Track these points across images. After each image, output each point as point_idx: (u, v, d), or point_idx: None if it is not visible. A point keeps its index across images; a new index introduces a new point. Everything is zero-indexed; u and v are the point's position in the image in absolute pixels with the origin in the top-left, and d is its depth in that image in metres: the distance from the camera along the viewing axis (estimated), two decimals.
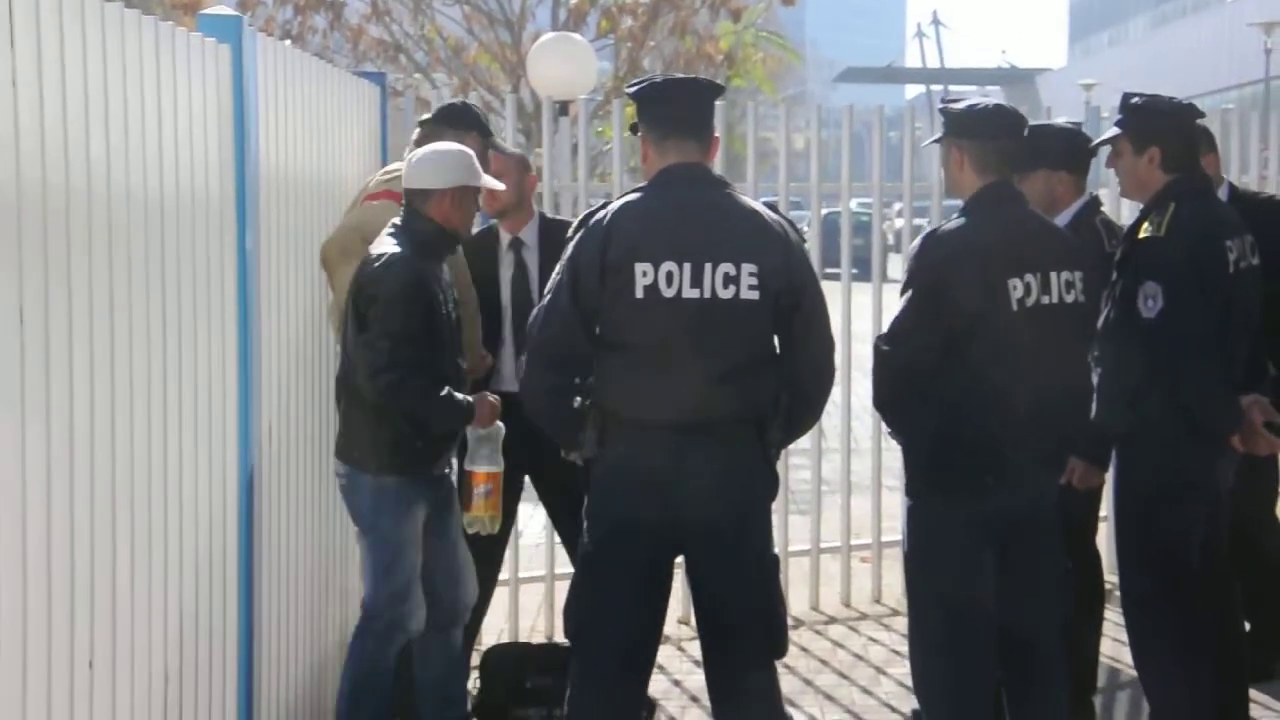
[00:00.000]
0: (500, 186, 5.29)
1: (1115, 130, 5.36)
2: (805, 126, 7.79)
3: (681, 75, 5.17)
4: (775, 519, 5.05)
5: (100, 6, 3.68)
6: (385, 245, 5.04)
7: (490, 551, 5.93)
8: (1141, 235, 5.13)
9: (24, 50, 3.29)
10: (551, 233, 6.00)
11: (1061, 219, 5.59)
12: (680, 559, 4.72)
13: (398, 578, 5.06)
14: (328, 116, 5.85)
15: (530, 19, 17.52)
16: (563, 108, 10.60)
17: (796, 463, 8.30)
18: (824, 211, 8.32)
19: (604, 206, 4.66)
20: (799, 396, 4.67)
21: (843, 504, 7.68)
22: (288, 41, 12.90)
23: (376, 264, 4.97)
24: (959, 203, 5.00)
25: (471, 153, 5.20)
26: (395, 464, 5.04)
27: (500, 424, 5.22)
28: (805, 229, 6.55)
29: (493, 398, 5.21)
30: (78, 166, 3.55)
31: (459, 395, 5.04)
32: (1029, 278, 4.74)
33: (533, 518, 7.78)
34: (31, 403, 3.34)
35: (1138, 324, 5.05)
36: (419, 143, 5.66)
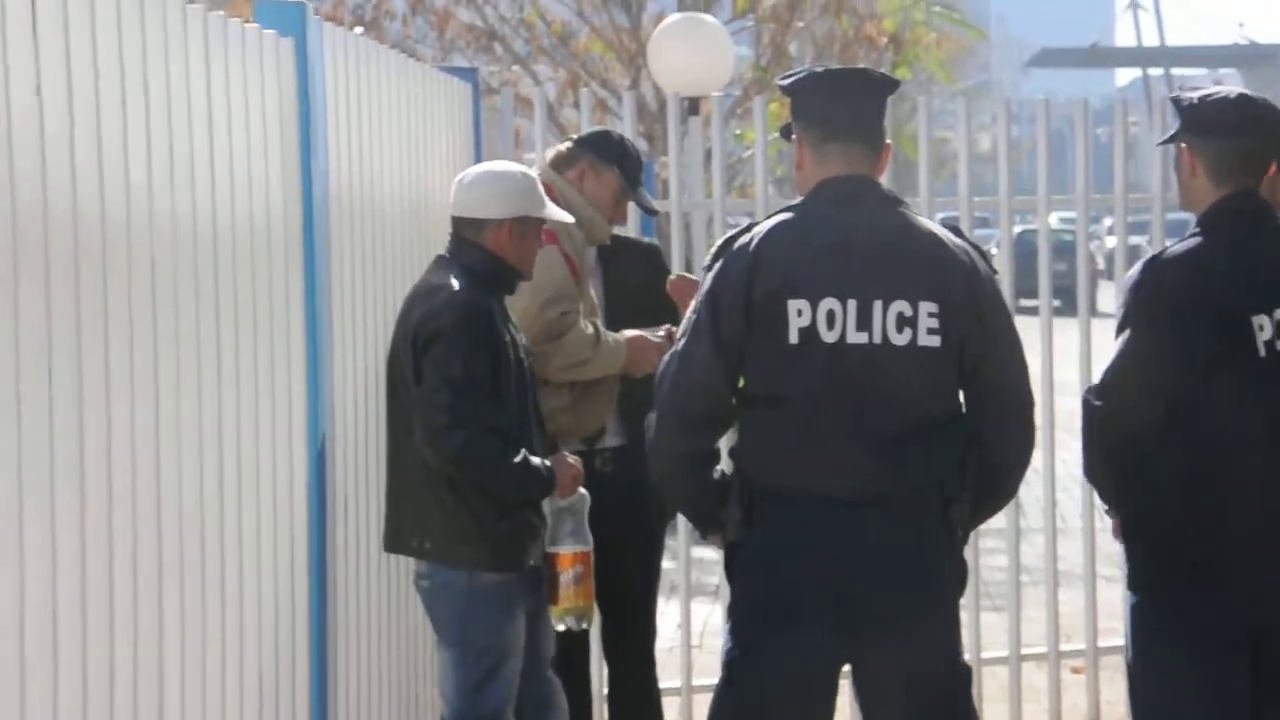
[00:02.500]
0: (568, 218, 5.31)
1: None
2: (991, 123, 7.75)
3: (856, 67, 5.18)
4: (964, 617, 5.01)
5: None
6: (436, 277, 5.08)
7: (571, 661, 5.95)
8: None
9: (50, 50, 3.35)
10: (614, 251, 6.05)
11: None
12: (847, 668, 4.69)
13: (489, 702, 5.06)
14: (411, 120, 5.93)
15: None
16: (692, 106, 10.65)
17: (990, 546, 8.22)
18: (1017, 229, 8.27)
19: (749, 229, 4.66)
20: (989, 465, 4.65)
21: (1048, 599, 7.59)
22: (359, 30, 13.08)
23: (428, 300, 5.01)
24: (1188, 218, 4.94)
25: (536, 177, 5.25)
26: (495, 555, 5.04)
27: (584, 492, 5.23)
28: (994, 251, 6.50)
29: (573, 459, 5.22)
30: (114, 188, 3.62)
31: (535, 461, 5.04)
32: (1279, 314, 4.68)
33: (663, 614, 7.77)
34: (62, 470, 3.41)
35: None
36: (557, 165, 5.74)
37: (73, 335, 3.47)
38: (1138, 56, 66.61)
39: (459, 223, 5.13)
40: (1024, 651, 7.63)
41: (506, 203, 5.09)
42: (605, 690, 6.41)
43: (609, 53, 17.77)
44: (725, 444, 5.07)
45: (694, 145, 7.70)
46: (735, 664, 4.63)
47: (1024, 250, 9.28)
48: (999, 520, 5.85)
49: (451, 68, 7.21)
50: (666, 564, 7.75)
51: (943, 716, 4.64)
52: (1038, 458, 7.39)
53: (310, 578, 4.84)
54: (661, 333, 5.69)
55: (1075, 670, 7.87)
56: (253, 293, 4.42)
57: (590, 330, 5.60)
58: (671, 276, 5.92)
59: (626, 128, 7.15)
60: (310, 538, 4.84)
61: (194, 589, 4.08)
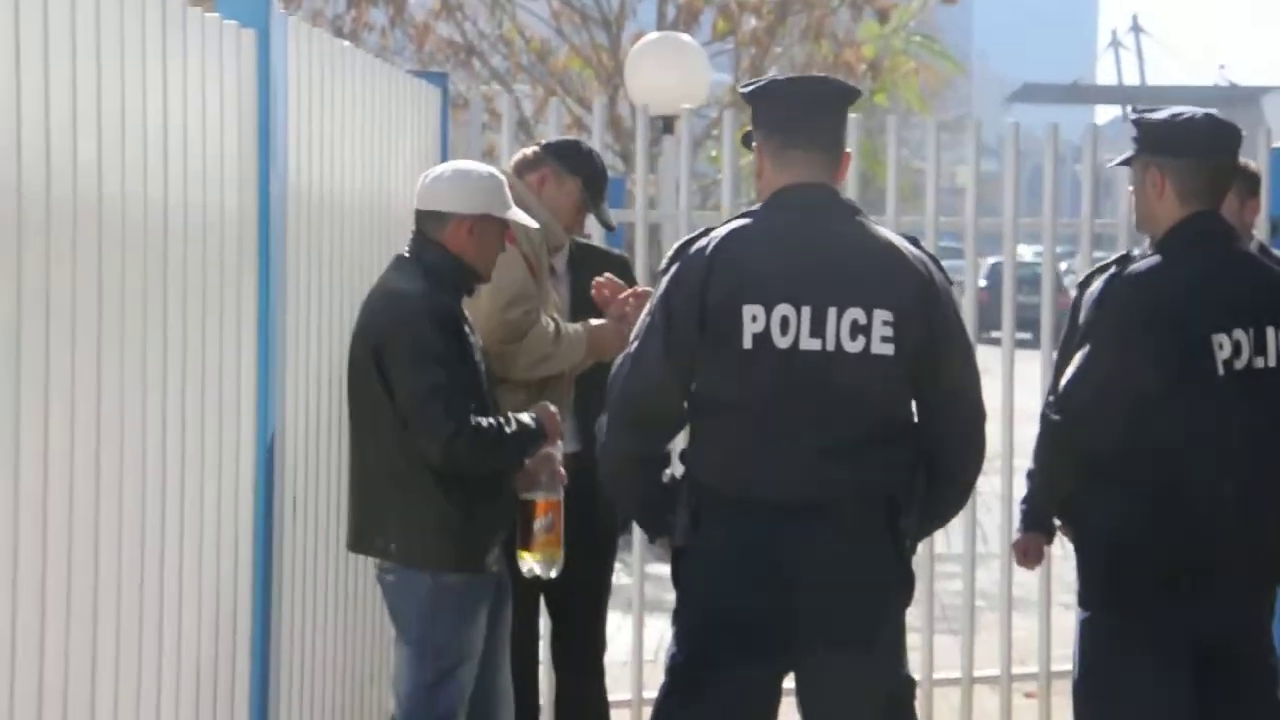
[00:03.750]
0: (532, 224, 5.29)
1: None
2: (968, 159, 7.70)
3: (816, 75, 5.17)
4: (917, 638, 4.99)
5: None
6: (392, 281, 5.06)
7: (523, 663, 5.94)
8: None
9: None
10: (584, 260, 6.05)
11: None
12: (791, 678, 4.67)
13: (442, 703, 5.03)
14: (376, 119, 5.90)
15: (631, 16, 17.61)
16: (667, 125, 10.63)
17: (947, 570, 8.20)
18: (990, 260, 8.26)
19: (706, 233, 4.65)
20: (940, 475, 4.64)
21: (1002, 622, 7.58)
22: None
23: (389, 304, 4.98)
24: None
25: (503, 179, 5.23)
26: (458, 557, 5.02)
27: (560, 443, 5.26)
28: (958, 280, 6.50)
29: (552, 407, 5.24)
30: (61, 172, 3.59)
31: (523, 418, 5.07)
32: (1239, 334, 4.69)
33: (620, 629, 7.74)
34: None
35: None
36: (519, 169, 5.75)
37: (11, 319, 3.43)
38: (1118, 95, 66.75)
39: (421, 216, 5.10)
40: (976, 674, 7.62)
41: (470, 199, 5.06)
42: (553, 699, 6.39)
43: (587, 70, 17.76)
44: (675, 447, 5.07)
45: (669, 165, 7.69)
46: (679, 670, 4.60)
47: (995, 281, 9.23)
48: (958, 544, 5.83)
49: (421, 72, 7.19)
50: (623, 580, 7.75)
51: None
52: (997, 483, 7.45)
53: (254, 576, 4.80)
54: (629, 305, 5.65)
55: (1028, 695, 7.85)
56: (203, 281, 4.39)
57: (550, 326, 5.59)
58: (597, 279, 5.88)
59: (596, 141, 7.15)
60: (255, 534, 4.80)
61: (131, 584, 4.04)
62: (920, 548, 7.78)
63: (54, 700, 3.70)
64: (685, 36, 13.36)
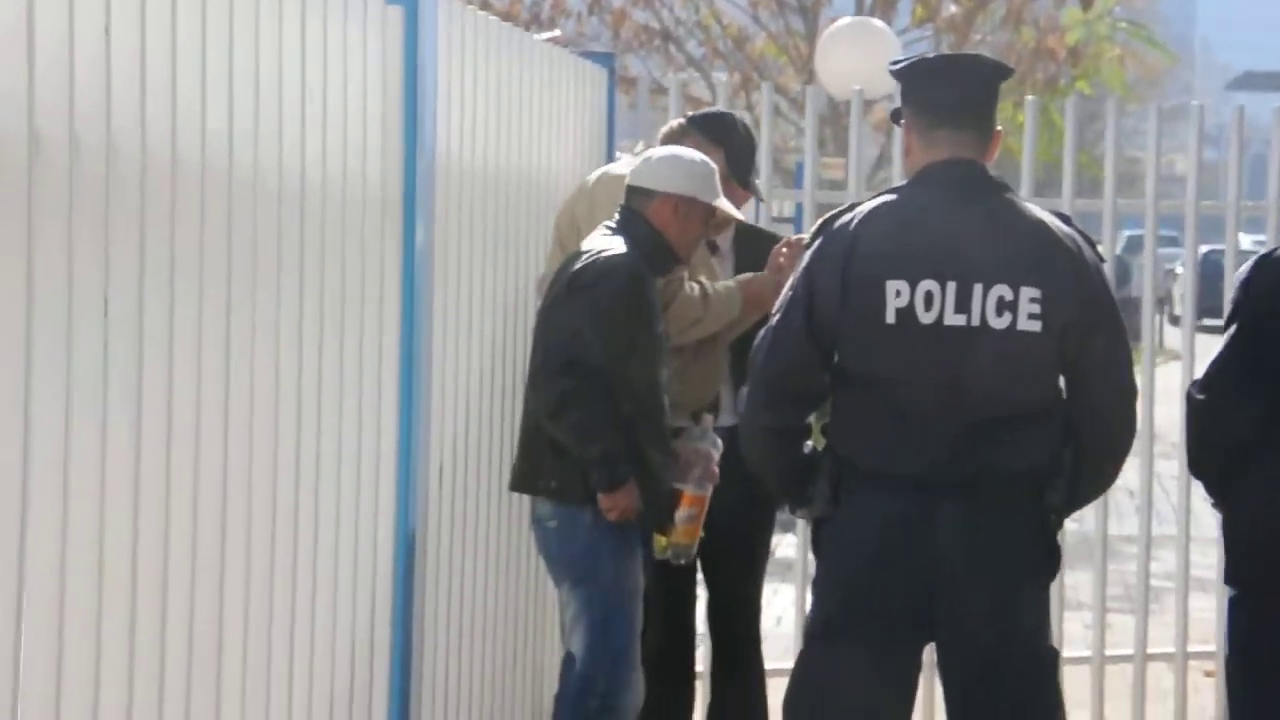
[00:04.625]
0: (737, 214, 5.37)
1: None
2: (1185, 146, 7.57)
3: (964, 53, 5.14)
4: (1083, 615, 4.91)
5: None
6: (602, 243, 5.18)
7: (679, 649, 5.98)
8: None
9: None
10: (749, 242, 6.07)
11: None
12: (931, 649, 4.67)
13: (618, 637, 5.15)
14: (535, 98, 5.94)
15: (828, 3, 17.58)
16: (868, 109, 10.60)
17: (1130, 552, 8.10)
18: (1204, 249, 8.11)
19: (851, 209, 4.65)
20: (1087, 453, 4.61)
21: (1178, 601, 7.47)
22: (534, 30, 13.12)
23: (597, 255, 5.11)
24: None
25: (715, 168, 5.35)
26: (585, 487, 5.14)
27: (719, 441, 5.35)
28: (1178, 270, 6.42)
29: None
30: (189, 140, 3.63)
31: (618, 469, 5.09)
32: None
33: (778, 593, 7.74)
34: (115, 422, 3.37)
35: None
36: (663, 140, 5.79)
37: (134, 287, 3.44)
38: None
39: (630, 191, 5.28)
40: (1151, 651, 7.52)
41: (679, 180, 5.23)
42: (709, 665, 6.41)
43: (783, 57, 17.75)
44: (816, 420, 5.07)
45: (867, 147, 7.68)
46: (816, 638, 4.63)
47: (1208, 270, 9.04)
48: (1132, 527, 5.68)
49: (588, 53, 7.22)
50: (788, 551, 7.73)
51: (1026, 701, 4.58)
52: (1175, 465, 7.33)
53: (395, 557, 4.83)
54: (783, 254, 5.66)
55: (1208, 674, 7.74)
56: (341, 256, 4.42)
57: (696, 289, 5.61)
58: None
59: (809, 127, 7.19)
60: (398, 510, 4.84)
61: (262, 563, 4.05)
62: (1084, 529, 7.79)
63: (176, 698, 3.70)
64: (876, 22, 13.33)
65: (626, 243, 5.16)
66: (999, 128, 4.74)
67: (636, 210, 5.23)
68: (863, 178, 7.45)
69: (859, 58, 11.92)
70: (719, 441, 5.34)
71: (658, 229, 5.20)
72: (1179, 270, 6.27)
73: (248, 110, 3.90)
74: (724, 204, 5.28)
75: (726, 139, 5.80)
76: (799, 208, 7.31)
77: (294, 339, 4.19)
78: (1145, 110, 19.86)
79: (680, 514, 5.27)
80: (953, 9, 17.52)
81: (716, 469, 5.33)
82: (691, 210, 5.23)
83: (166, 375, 3.58)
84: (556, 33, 17.33)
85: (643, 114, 7.90)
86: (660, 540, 5.28)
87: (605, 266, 5.08)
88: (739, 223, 6.19)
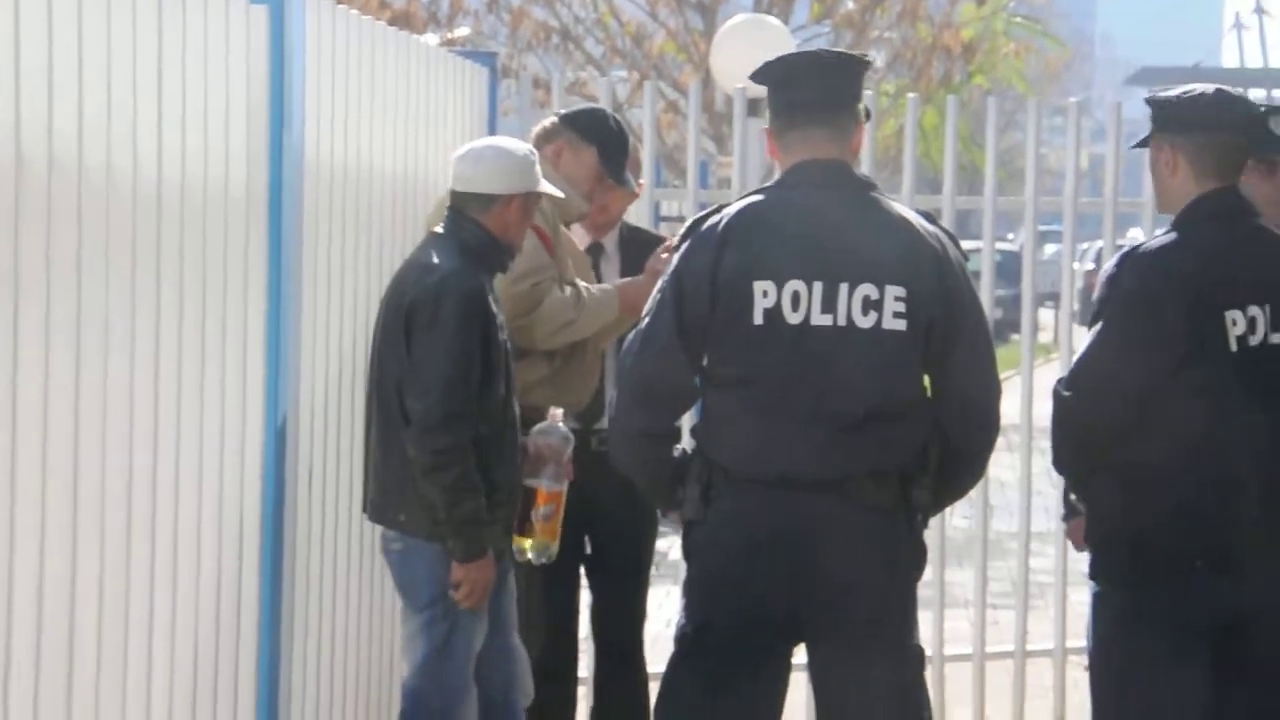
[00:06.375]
0: (558, 193, 5.28)
1: None
2: (1090, 141, 7.61)
3: (814, 50, 5.11)
4: (969, 613, 4.91)
5: None
6: (426, 255, 5.05)
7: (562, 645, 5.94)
8: None
9: None
10: (634, 243, 6.02)
11: None
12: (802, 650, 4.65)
13: (453, 661, 5.04)
14: (411, 97, 5.88)
15: (726, 0, 17.58)
16: (753, 107, 10.57)
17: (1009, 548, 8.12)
18: (1097, 245, 8.12)
19: (718, 210, 4.63)
20: (953, 450, 4.61)
21: (1057, 597, 7.51)
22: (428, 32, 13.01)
23: (424, 275, 4.97)
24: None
25: (536, 154, 5.21)
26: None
27: (570, 435, 5.25)
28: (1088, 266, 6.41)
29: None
30: (59, 142, 3.59)
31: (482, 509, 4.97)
32: (1254, 311, 4.61)
33: (670, 595, 7.71)
34: None
35: None
36: (538, 140, 5.72)
37: (9, 298, 3.42)
38: (1241, 78, 65.88)
39: (462, 198, 5.08)
40: (1030, 648, 7.55)
41: (517, 179, 5.07)
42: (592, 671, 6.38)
43: (682, 54, 17.75)
44: (687, 422, 5.04)
45: (752, 147, 7.67)
46: (687, 641, 4.60)
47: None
48: (1011, 523, 5.68)
49: (469, 51, 7.17)
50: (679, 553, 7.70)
51: (894, 699, 4.58)
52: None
53: (262, 554, 4.78)
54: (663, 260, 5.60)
55: (1087, 668, 7.76)
56: (203, 257, 4.36)
57: (568, 292, 5.55)
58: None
59: (691, 125, 7.14)
60: (264, 518, 4.78)
61: (117, 571, 4.00)
62: (972, 526, 7.81)
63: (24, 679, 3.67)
64: (771, 19, 13.31)
65: (456, 251, 4.99)
66: (862, 120, 4.70)
67: (469, 216, 5.04)
68: (750, 176, 7.43)
69: (753, 55, 11.86)
70: (570, 436, 5.26)
71: (493, 231, 5.04)
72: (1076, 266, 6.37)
73: (99, 111, 3.83)
74: (546, 186, 5.16)
75: (599, 136, 5.73)
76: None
77: (150, 342, 4.13)
78: (1054, 107, 20.06)
79: (537, 512, 5.18)
80: (849, 5, 17.56)
81: (571, 463, 5.24)
82: (530, 204, 5.11)
83: (10, 377, 3.53)
84: (465, 31, 17.26)
85: (531, 113, 7.84)
86: (521, 541, 5.19)
87: (438, 294, 4.90)
88: (625, 223, 6.18)
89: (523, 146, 5.20)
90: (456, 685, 5.06)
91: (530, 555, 5.22)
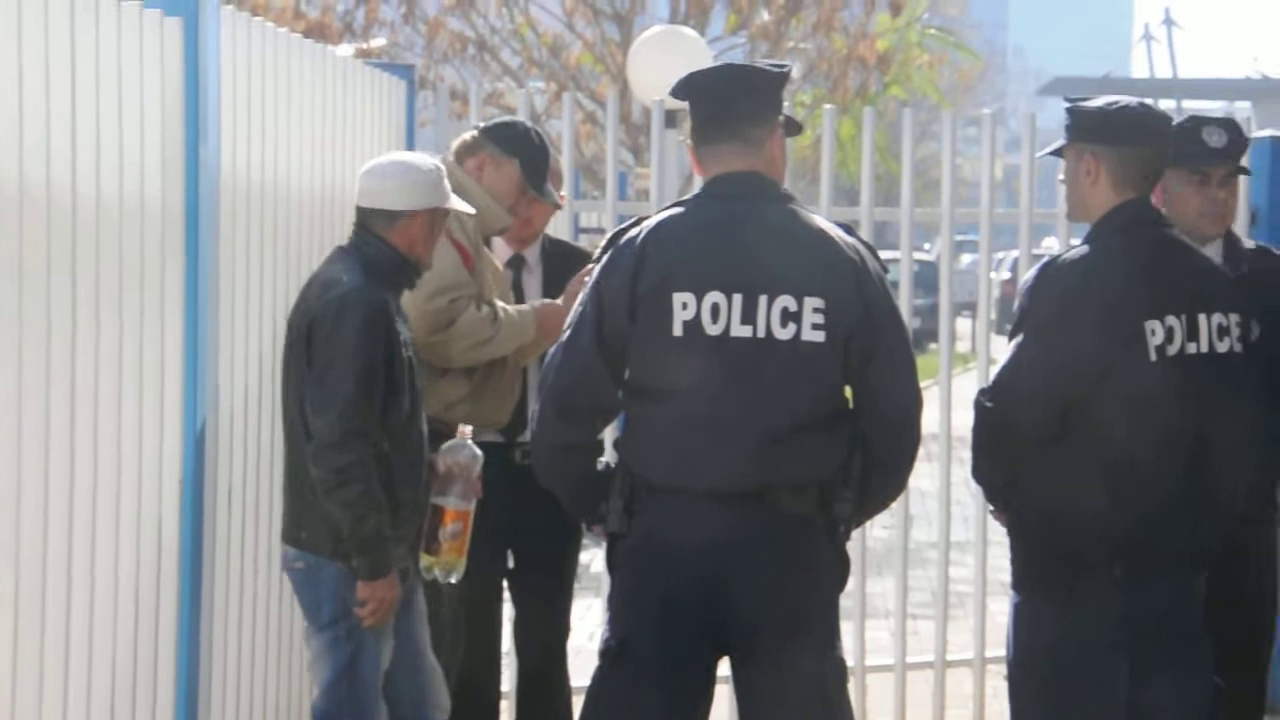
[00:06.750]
0: (469, 209, 5.22)
1: None
2: (1004, 151, 7.61)
3: (730, 64, 5.10)
4: (890, 623, 4.91)
5: None
6: (330, 272, 4.98)
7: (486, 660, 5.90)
8: None
9: None
10: (556, 256, 5.99)
11: (1213, 249, 5.39)
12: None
13: (360, 681, 4.98)
14: (327, 110, 5.84)
15: (642, 11, 17.58)
16: (669, 119, 10.57)
17: (930, 558, 8.14)
18: (1014, 254, 8.12)
19: (638, 223, 4.62)
20: (875, 462, 4.59)
21: (976, 606, 7.52)
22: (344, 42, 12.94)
23: (325, 292, 4.90)
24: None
25: (443, 168, 5.14)
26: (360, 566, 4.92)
27: (479, 452, 5.18)
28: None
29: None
30: None
31: (392, 541, 4.92)
32: (1172, 320, 4.62)
33: (591, 609, 7.69)
34: None
35: None
36: (459, 154, 5.67)
37: None
38: (1150, 88, 66.43)
39: (367, 213, 5.01)
40: (950, 658, 7.56)
41: (422, 194, 4.99)
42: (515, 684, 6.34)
43: (599, 65, 17.74)
44: (610, 435, 5.01)
45: (670, 159, 7.64)
46: (611, 654, 4.57)
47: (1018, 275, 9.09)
48: (931, 533, 5.72)
49: (386, 64, 7.11)
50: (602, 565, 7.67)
51: (817, 710, 4.56)
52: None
53: (181, 573, 4.74)
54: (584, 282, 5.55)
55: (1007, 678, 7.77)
56: (119, 271, 4.32)
57: (485, 310, 5.51)
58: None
59: (609, 136, 7.11)
60: (183, 531, 4.74)
61: (33, 580, 3.95)
62: (894, 536, 7.82)
63: None
64: (687, 30, 13.30)
65: (360, 267, 4.93)
66: (778, 132, 4.68)
67: (374, 231, 4.97)
68: (668, 187, 7.41)
69: (669, 66, 11.86)
70: (479, 454, 5.21)
71: (400, 249, 4.97)
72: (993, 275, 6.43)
73: (10, 123, 3.79)
74: (456, 202, 5.10)
75: (521, 149, 5.70)
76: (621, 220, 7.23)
77: (66, 357, 4.08)
78: (969, 117, 20.18)
79: (444, 530, 5.10)
80: (765, 17, 17.58)
81: (479, 481, 5.19)
82: (437, 220, 5.04)
83: None
84: (381, 42, 17.19)
85: (448, 125, 7.80)
86: (426, 559, 5.12)
87: (338, 310, 4.82)
88: (547, 236, 6.14)
89: (429, 161, 5.13)
90: (365, 707, 5.00)
91: (437, 574, 5.14)
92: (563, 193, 6.23)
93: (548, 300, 5.71)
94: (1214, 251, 5.37)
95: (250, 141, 5.18)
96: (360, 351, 4.80)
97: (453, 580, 5.20)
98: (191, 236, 4.72)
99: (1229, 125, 5.38)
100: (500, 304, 5.57)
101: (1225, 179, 5.41)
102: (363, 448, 4.79)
